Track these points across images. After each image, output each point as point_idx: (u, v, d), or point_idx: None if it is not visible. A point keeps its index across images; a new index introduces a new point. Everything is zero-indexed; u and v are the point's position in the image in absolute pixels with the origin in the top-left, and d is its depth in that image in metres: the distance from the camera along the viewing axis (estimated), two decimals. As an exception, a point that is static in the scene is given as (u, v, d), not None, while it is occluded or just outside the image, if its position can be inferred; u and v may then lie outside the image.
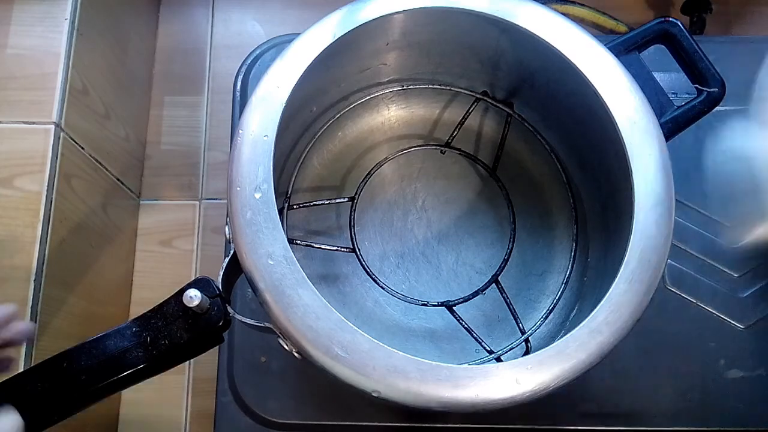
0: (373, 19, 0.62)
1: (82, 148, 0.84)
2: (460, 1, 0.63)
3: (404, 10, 0.62)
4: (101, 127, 0.91)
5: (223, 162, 1.05)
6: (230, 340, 0.81)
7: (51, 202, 0.76)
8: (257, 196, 0.56)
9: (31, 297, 0.72)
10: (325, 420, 0.78)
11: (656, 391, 0.78)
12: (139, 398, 0.95)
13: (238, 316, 0.59)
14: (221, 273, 0.59)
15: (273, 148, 0.58)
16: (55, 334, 0.76)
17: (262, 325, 0.58)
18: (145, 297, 1.00)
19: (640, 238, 0.57)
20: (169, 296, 0.58)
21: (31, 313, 0.72)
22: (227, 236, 0.59)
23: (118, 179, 0.95)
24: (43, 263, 0.74)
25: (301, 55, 0.61)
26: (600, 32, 1.07)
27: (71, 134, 0.80)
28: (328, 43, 0.61)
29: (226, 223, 0.59)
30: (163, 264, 1.02)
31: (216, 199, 1.04)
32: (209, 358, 0.88)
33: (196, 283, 0.57)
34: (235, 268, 0.58)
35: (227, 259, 0.58)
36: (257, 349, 0.80)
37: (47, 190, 0.75)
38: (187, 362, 0.95)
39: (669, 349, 0.79)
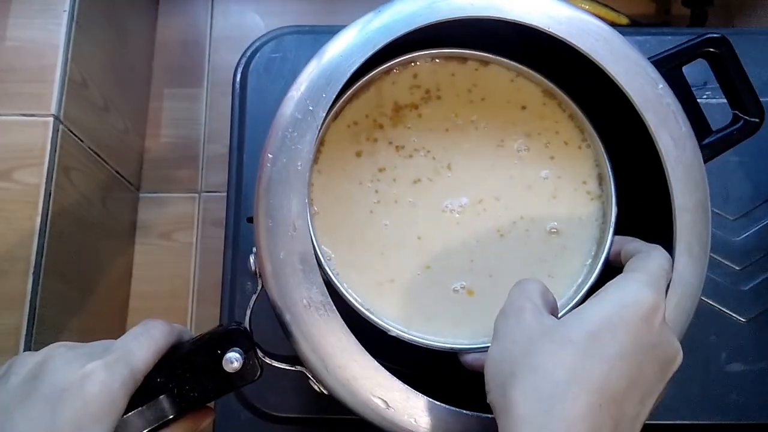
0: (400, 35, 0.58)
1: (82, 140, 0.83)
2: (496, 8, 0.60)
3: (437, 21, 0.58)
4: (100, 120, 0.90)
5: (223, 155, 1.04)
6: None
7: (50, 195, 0.75)
8: (292, 234, 0.53)
9: (30, 290, 0.72)
10: (325, 414, 0.78)
11: (657, 384, 0.78)
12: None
13: (269, 361, 0.56)
14: (248, 312, 0.57)
15: (308, 179, 0.55)
16: (54, 327, 0.76)
17: (294, 369, 0.57)
18: (145, 290, 1.00)
19: (677, 284, 0.55)
20: (196, 344, 0.55)
21: (29, 306, 0.71)
22: (252, 268, 0.56)
23: (117, 172, 0.95)
24: (41, 256, 0.74)
25: (337, 74, 0.57)
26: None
27: (70, 127, 0.80)
28: (368, 55, 0.57)
29: (252, 252, 0.56)
30: (163, 257, 1.02)
31: (216, 192, 1.04)
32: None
33: (230, 339, 0.54)
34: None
35: (254, 297, 0.56)
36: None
37: (46, 183, 0.75)
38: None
39: (670, 342, 0.79)
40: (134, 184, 1.02)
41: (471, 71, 0.66)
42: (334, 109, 0.62)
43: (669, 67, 0.61)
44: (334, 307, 0.53)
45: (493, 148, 0.64)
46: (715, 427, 0.77)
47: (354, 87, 0.62)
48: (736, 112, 0.61)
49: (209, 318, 0.97)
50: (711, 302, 0.80)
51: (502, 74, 0.66)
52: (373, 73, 0.63)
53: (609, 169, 0.63)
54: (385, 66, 0.63)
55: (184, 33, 1.12)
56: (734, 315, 0.80)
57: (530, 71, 0.65)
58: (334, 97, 0.56)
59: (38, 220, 0.74)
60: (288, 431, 0.78)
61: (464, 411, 0.53)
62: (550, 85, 0.65)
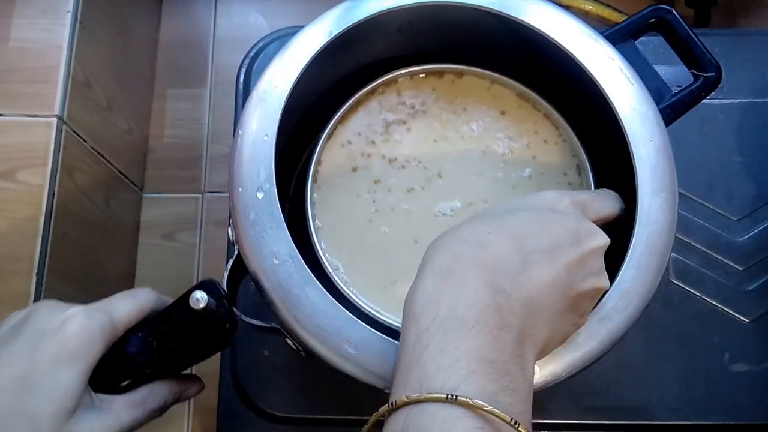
0: (372, 15, 0.62)
1: (85, 141, 0.83)
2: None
3: (404, 5, 0.62)
4: (104, 120, 0.90)
5: (226, 155, 1.04)
6: (233, 333, 0.80)
7: (53, 195, 0.75)
8: (260, 196, 0.56)
9: (33, 290, 0.72)
10: (328, 414, 0.78)
11: (661, 384, 0.78)
12: (142, 392, 0.95)
13: (245, 318, 0.58)
14: (226, 275, 0.58)
15: (274, 148, 0.58)
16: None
17: (269, 326, 0.58)
18: (148, 290, 1.00)
19: (645, 224, 0.56)
20: (174, 299, 0.58)
21: (33, 306, 0.71)
22: (230, 238, 0.58)
23: (120, 172, 0.95)
24: (45, 256, 0.74)
25: (299, 52, 0.61)
26: (605, 25, 1.06)
27: (74, 127, 0.80)
28: (326, 40, 0.61)
29: (229, 224, 0.58)
30: (166, 257, 1.02)
31: (219, 192, 1.04)
32: (212, 352, 0.88)
33: (202, 286, 0.56)
34: (239, 270, 0.58)
35: (231, 261, 0.58)
36: (260, 343, 0.79)
37: (49, 183, 0.75)
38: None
39: (673, 342, 0.79)
40: (137, 184, 1.03)
41: (449, 84, 0.71)
42: (327, 130, 0.67)
43: (622, 40, 0.64)
44: (302, 261, 0.54)
45: (479, 154, 0.68)
46: (718, 428, 0.77)
47: (343, 108, 0.68)
48: (693, 71, 0.64)
49: (212, 318, 0.97)
50: (714, 302, 0.80)
51: (478, 83, 0.71)
52: (359, 94, 0.68)
53: (585, 158, 0.67)
54: (369, 87, 0.69)
55: (187, 33, 1.12)
56: (738, 315, 0.80)
57: (502, 77, 0.69)
58: (297, 75, 0.60)
59: (42, 220, 0.74)
60: None
61: None
62: (523, 87, 0.69)
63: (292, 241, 0.55)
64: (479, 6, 0.62)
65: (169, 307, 0.57)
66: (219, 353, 0.81)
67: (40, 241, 0.74)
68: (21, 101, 0.77)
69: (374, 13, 0.62)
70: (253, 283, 0.56)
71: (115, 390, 0.55)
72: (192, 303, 0.54)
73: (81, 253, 0.83)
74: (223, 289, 0.57)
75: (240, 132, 0.58)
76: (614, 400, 0.77)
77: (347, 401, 0.78)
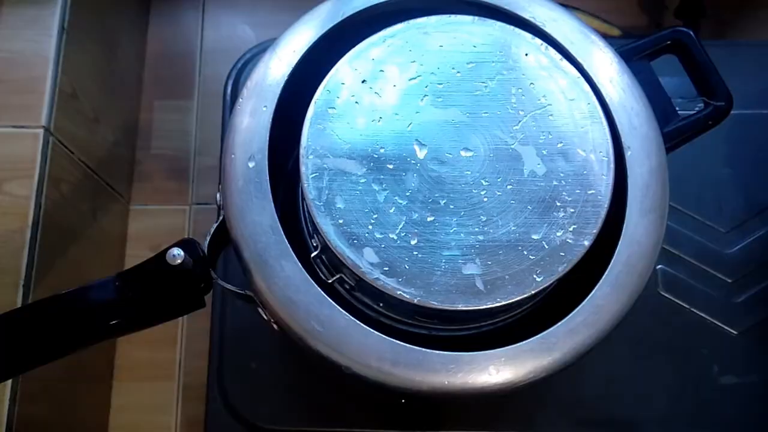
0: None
1: (72, 152, 0.83)
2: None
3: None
4: (91, 132, 0.90)
5: (214, 166, 1.04)
6: (221, 346, 0.80)
7: (40, 207, 0.75)
8: (251, 165, 0.56)
9: (20, 303, 0.72)
10: (316, 426, 0.78)
11: (650, 397, 0.78)
12: (129, 405, 0.94)
13: (220, 282, 0.59)
14: (208, 237, 0.59)
15: (271, 119, 0.58)
16: (44, 340, 0.76)
17: (243, 292, 0.58)
18: (135, 303, 1.00)
19: (628, 243, 0.56)
20: (153, 254, 0.58)
21: (19, 319, 0.71)
22: (218, 202, 0.59)
23: (107, 184, 0.95)
24: (31, 269, 0.73)
25: (309, 27, 0.62)
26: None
27: (60, 138, 0.80)
28: (338, 20, 0.61)
29: (218, 189, 0.59)
30: (153, 269, 1.01)
31: (206, 204, 1.04)
32: (199, 365, 0.88)
33: (181, 243, 0.57)
34: (223, 236, 0.58)
35: (215, 225, 0.59)
36: (248, 356, 0.79)
37: (36, 195, 0.75)
38: (177, 369, 0.94)
39: (662, 354, 0.79)
40: (125, 196, 1.02)
41: None
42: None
43: (636, 58, 0.63)
44: (283, 234, 0.55)
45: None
46: (707, 440, 0.77)
47: None
48: (704, 98, 0.63)
49: (200, 330, 0.96)
50: (703, 314, 0.80)
51: None
52: None
53: None
54: None
55: (174, 44, 1.12)
56: (726, 327, 0.80)
57: None
58: (305, 49, 0.60)
59: (28, 232, 0.74)
60: (280, 445, 0.78)
61: (397, 341, 0.53)
62: None
63: (275, 213, 0.55)
64: (488, 3, 0.62)
65: (147, 261, 0.58)
66: (207, 363, 0.81)
67: (26, 253, 0.73)
68: (7, 112, 0.77)
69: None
70: (233, 250, 0.56)
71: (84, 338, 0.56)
72: (168, 258, 0.55)
73: (68, 265, 0.83)
74: (203, 250, 0.58)
75: (240, 100, 0.59)
76: (604, 412, 0.77)
77: (335, 414, 0.77)
